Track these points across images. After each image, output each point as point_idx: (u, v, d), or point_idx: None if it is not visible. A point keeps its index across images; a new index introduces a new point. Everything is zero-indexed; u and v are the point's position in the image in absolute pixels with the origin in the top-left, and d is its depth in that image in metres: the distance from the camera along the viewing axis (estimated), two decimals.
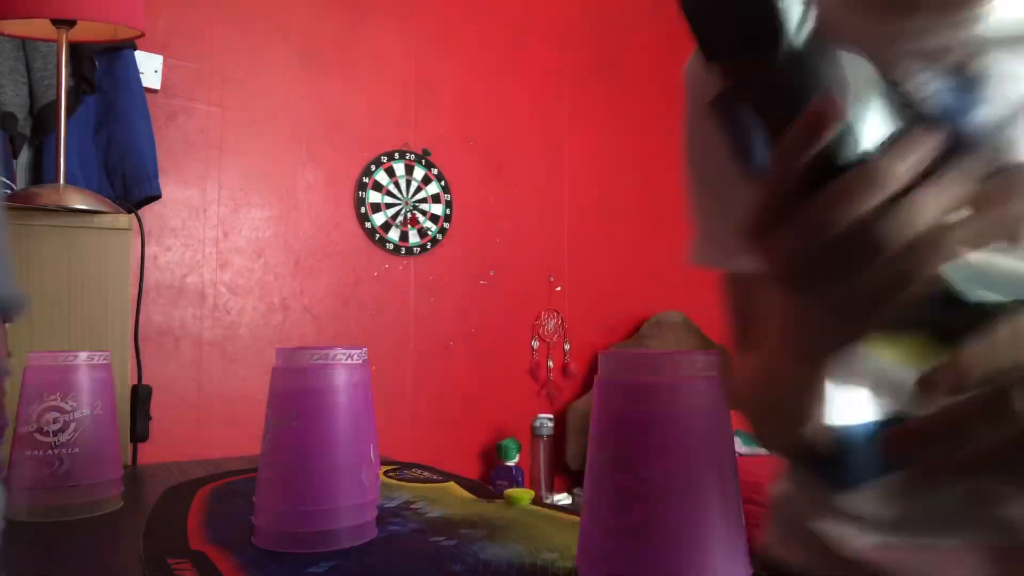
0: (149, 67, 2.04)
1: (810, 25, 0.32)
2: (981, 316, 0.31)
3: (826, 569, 0.60)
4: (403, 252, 2.47)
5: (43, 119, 1.68)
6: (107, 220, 0.98)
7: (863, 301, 0.33)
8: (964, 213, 0.32)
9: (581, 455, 2.67)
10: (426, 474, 0.86)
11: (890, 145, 0.31)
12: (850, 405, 0.55)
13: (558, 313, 2.76)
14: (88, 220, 0.97)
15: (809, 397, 0.49)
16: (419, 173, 2.52)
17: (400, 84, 2.49)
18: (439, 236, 2.53)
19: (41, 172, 1.70)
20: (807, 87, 0.32)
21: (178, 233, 2.12)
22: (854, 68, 0.32)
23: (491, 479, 2.47)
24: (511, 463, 2.48)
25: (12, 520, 0.65)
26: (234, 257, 2.20)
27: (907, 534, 0.56)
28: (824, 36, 0.32)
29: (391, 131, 2.47)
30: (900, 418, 0.53)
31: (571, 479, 2.71)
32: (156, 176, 1.83)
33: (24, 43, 1.67)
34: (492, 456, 2.56)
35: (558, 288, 2.76)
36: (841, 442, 0.53)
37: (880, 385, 0.56)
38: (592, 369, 2.77)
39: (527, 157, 2.71)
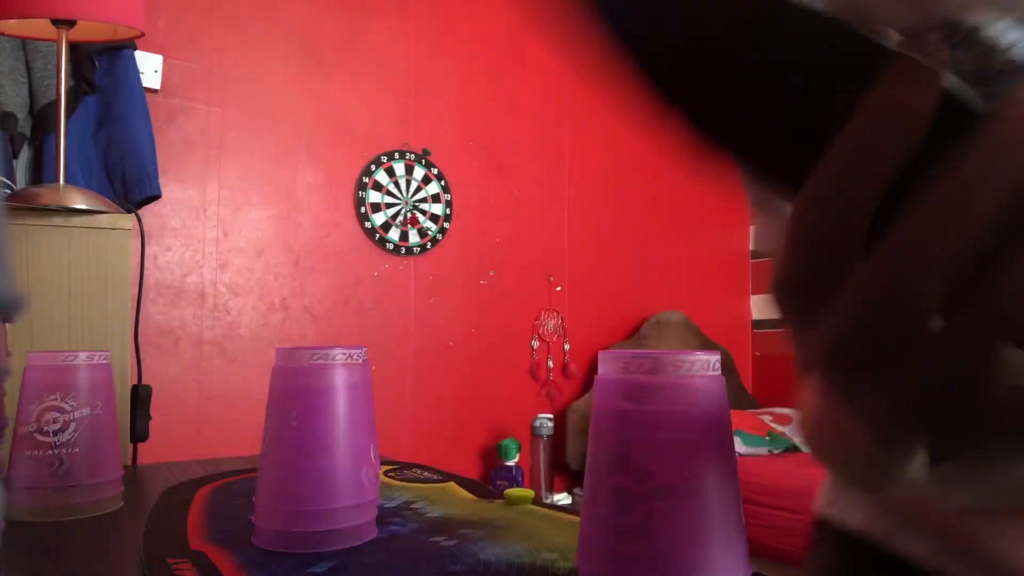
0: (149, 67, 2.04)
1: None
2: None
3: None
4: (403, 252, 2.47)
5: (43, 119, 1.68)
6: (107, 220, 0.98)
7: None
8: None
9: (581, 455, 2.67)
10: (426, 474, 0.86)
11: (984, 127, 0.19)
12: None
13: (558, 313, 2.76)
14: (88, 220, 0.97)
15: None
16: (419, 173, 2.52)
17: (400, 84, 2.49)
18: (439, 236, 2.53)
19: (41, 172, 1.70)
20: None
21: (178, 233, 2.12)
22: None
23: (491, 479, 2.47)
24: (511, 463, 2.48)
25: (12, 520, 0.65)
26: (234, 257, 2.20)
27: None
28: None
29: (391, 131, 2.47)
30: None
31: (571, 479, 2.71)
32: (156, 176, 1.83)
33: (24, 43, 1.67)
34: (492, 456, 2.56)
35: (558, 288, 2.76)
36: None
37: None
38: (592, 369, 2.77)
39: (527, 157, 2.71)
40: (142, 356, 1.05)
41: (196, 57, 2.16)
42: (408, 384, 2.47)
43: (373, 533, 0.60)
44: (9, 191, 1.40)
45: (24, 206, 0.94)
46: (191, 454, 1.10)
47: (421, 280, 2.50)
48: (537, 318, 2.72)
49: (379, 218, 2.44)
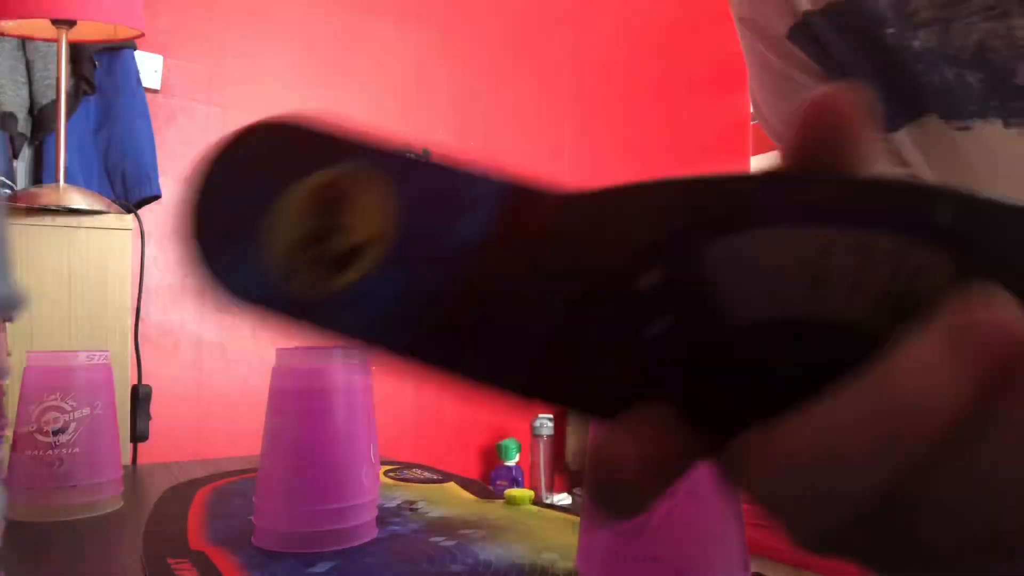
0: (149, 67, 2.04)
1: None
2: None
3: None
4: None
5: (43, 119, 1.68)
6: (107, 220, 0.98)
7: None
8: None
9: (581, 455, 2.67)
10: (426, 474, 0.86)
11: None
12: None
13: None
14: (88, 220, 0.97)
15: None
16: None
17: (400, 84, 2.49)
18: None
19: (41, 172, 1.70)
20: None
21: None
22: None
23: (491, 479, 2.47)
24: (511, 463, 2.48)
25: (12, 520, 0.65)
26: None
27: None
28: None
29: (391, 132, 2.48)
30: None
31: (571, 479, 2.71)
32: (156, 176, 1.83)
33: (24, 43, 1.67)
34: (492, 456, 2.56)
35: None
36: None
37: None
38: None
39: (527, 157, 2.72)
40: (142, 356, 1.05)
41: (196, 57, 2.16)
42: (408, 384, 2.47)
43: (373, 533, 0.60)
44: (9, 191, 1.40)
45: (24, 206, 0.94)
46: (191, 454, 1.10)
47: None
48: None
49: None
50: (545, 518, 0.66)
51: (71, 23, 1.08)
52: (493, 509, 0.69)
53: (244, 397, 2.15)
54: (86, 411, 0.69)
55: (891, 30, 0.48)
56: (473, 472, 2.55)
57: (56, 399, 0.68)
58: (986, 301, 0.14)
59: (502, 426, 2.62)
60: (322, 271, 0.19)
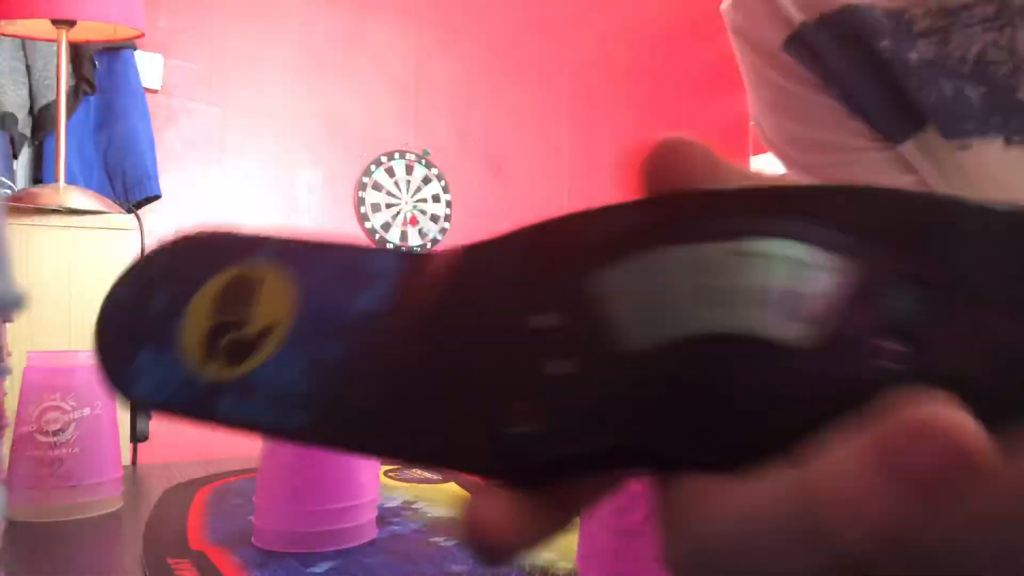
0: (149, 67, 2.04)
1: None
2: None
3: None
4: None
5: (43, 119, 1.68)
6: (107, 220, 0.98)
7: None
8: None
9: None
10: (426, 474, 0.86)
11: None
12: None
13: None
14: (88, 220, 0.97)
15: None
16: (419, 173, 2.52)
17: (400, 84, 2.49)
18: (439, 236, 2.53)
19: (41, 172, 1.70)
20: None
21: None
22: None
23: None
24: None
25: (12, 520, 0.65)
26: None
27: None
28: None
29: (391, 131, 2.48)
30: None
31: None
32: (156, 176, 1.83)
33: (24, 43, 1.67)
34: None
35: None
36: None
37: None
38: None
39: (527, 157, 2.71)
40: None
41: (196, 57, 2.16)
42: None
43: (373, 533, 0.60)
44: (9, 191, 1.40)
45: (24, 206, 0.94)
46: (191, 454, 1.10)
47: None
48: None
49: (379, 218, 2.44)
50: None
51: (71, 23, 1.08)
52: None
53: None
54: (86, 411, 0.69)
55: (886, 42, 0.47)
56: None
57: (56, 399, 0.68)
58: (919, 403, 0.13)
59: None
60: (228, 361, 0.19)
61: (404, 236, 2.47)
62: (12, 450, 0.68)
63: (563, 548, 0.57)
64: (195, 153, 2.15)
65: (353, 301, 0.18)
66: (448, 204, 2.56)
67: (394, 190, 2.47)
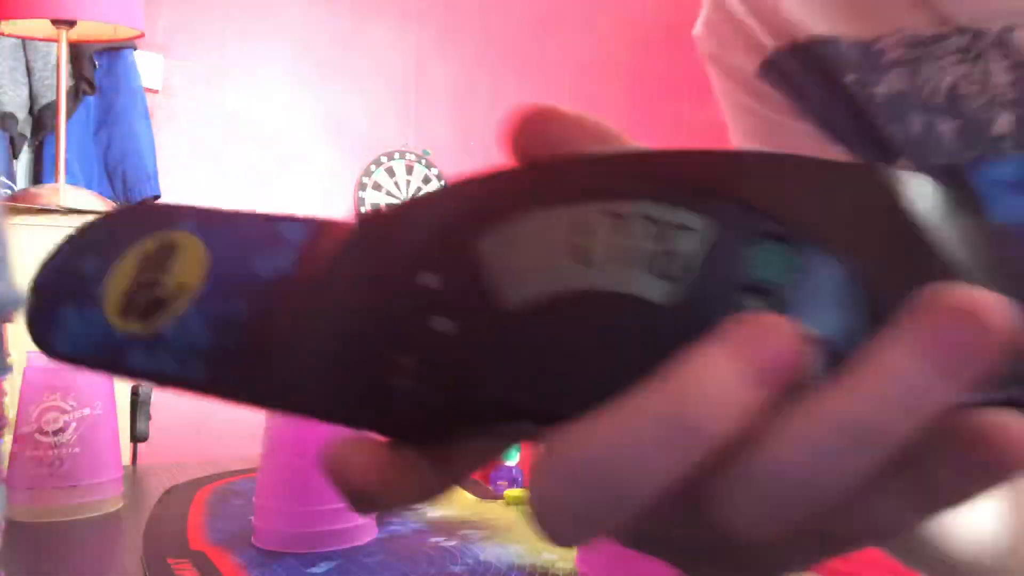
0: (149, 67, 2.04)
1: None
2: None
3: None
4: None
5: (43, 119, 1.68)
6: None
7: None
8: None
9: None
10: None
11: None
12: None
13: None
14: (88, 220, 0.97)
15: None
16: (419, 174, 2.52)
17: (400, 84, 2.49)
18: None
19: (41, 172, 1.71)
20: None
21: None
22: None
23: (491, 479, 2.47)
24: (511, 463, 2.48)
25: (12, 520, 0.65)
26: None
27: None
28: None
29: (391, 132, 2.48)
30: None
31: None
32: (156, 176, 1.83)
33: (24, 43, 1.67)
34: None
35: None
36: None
37: None
38: None
39: None
40: None
41: (196, 57, 2.16)
42: None
43: (373, 533, 0.60)
44: (9, 191, 1.40)
45: (24, 206, 0.94)
46: (191, 454, 1.10)
47: None
48: None
49: None
50: None
51: (71, 23, 1.08)
52: (493, 509, 0.69)
53: None
54: (86, 411, 0.69)
55: (853, 76, 0.45)
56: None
57: (56, 399, 0.68)
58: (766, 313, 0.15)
59: None
60: (142, 317, 0.20)
61: None
62: (12, 450, 0.68)
63: (563, 548, 0.57)
64: (195, 153, 2.15)
65: (260, 265, 0.20)
66: None
67: (394, 190, 2.47)
